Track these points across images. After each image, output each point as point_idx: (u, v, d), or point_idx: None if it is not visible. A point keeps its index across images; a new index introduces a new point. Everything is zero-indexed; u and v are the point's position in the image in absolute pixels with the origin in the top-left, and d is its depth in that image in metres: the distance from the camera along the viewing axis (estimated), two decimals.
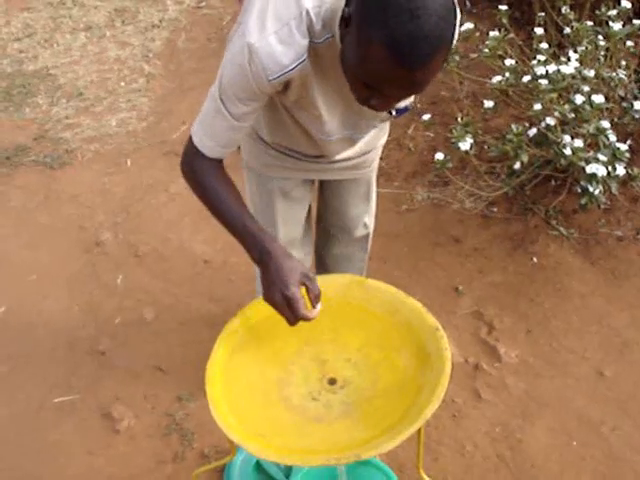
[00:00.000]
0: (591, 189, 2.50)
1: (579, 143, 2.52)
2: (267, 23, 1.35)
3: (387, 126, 1.96)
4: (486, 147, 3.05)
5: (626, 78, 2.81)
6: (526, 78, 2.67)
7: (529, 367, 2.54)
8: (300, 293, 1.43)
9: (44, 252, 3.23)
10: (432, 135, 3.59)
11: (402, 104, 1.47)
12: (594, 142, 2.61)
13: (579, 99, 2.57)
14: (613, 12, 2.86)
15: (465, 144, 2.66)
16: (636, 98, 2.79)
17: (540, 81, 2.60)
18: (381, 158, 2.09)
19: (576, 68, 2.65)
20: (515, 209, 3.14)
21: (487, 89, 3.20)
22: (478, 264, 2.95)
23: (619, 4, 2.87)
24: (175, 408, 2.49)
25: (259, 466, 2.15)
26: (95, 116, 4.17)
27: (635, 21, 2.81)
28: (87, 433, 2.44)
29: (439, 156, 2.76)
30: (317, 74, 1.46)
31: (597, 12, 2.92)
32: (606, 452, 2.26)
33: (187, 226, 3.27)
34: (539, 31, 2.88)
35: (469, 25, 2.92)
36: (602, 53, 2.82)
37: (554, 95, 2.59)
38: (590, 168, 2.46)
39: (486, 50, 2.88)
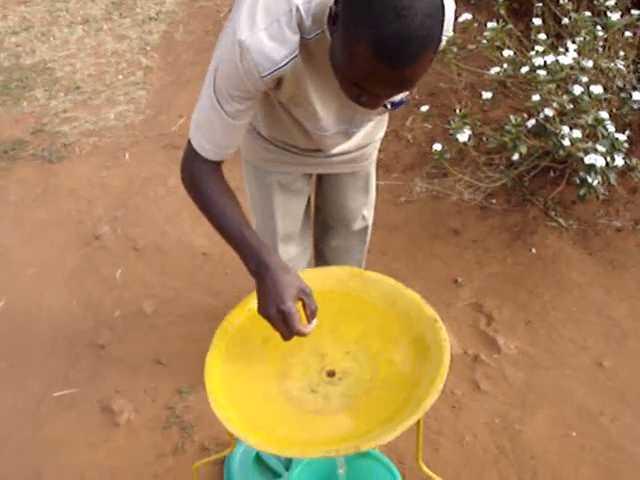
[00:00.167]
0: (590, 180, 2.50)
1: (578, 134, 2.52)
2: (257, 19, 1.33)
3: (385, 119, 1.96)
4: (485, 138, 3.05)
5: (624, 69, 2.81)
6: (524, 69, 2.66)
7: (528, 358, 2.54)
8: (296, 308, 1.42)
9: (43, 246, 3.23)
10: (430, 127, 3.58)
11: (397, 98, 1.46)
12: (593, 133, 2.60)
13: (577, 90, 2.56)
14: (611, 2, 2.85)
15: (463, 135, 2.65)
16: (635, 88, 2.78)
17: (538, 72, 2.59)
18: (379, 150, 2.08)
19: (574, 59, 2.65)
20: (514, 200, 3.13)
21: (485, 80, 3.19)
22: (477, 256, 2.95)
23: None
24: (175, 401, 2.49)
25: (259, 458, 2.15)
26: (93, 109, 4.17)
27: (633, 11, 2.81)
28: (87, 427, 2.45)
29: (437, 147, 2.75)
30: (309, 70, 1.45)
31: (595, 2, 2.91)
32: (605, 442, 2.26)
33: (186, 219, 3.27)
34: (537, 22, 2.87)
35: (467, 16, 2.92)
36: (600, 44, 2.81)
37: (552, 86, 2.59)
38: (589, 159, 2.46)
39: (484, 41, 2.87)
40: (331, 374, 1.49)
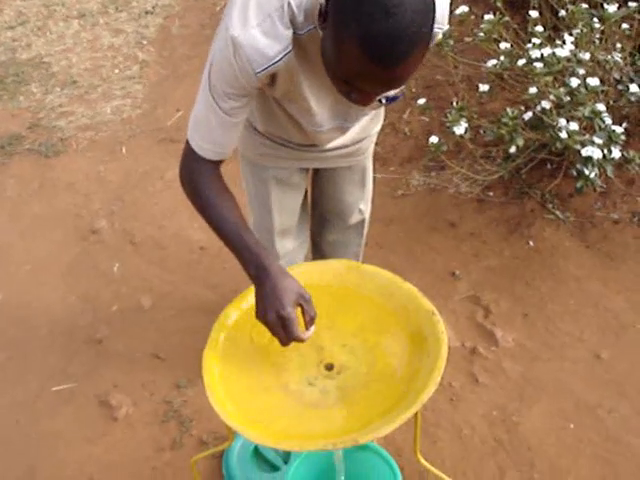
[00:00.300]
0: (587, 172, 2.50)
1: (574, 126, 2.52)
2: (249, 16, 1.33)
3: (381, 113, 1.95)
4: (481, 131, 3.05)
5: (621, 61, 2.80)
6: (521, 61, 2.66)
7: (526, 351, 2.55)
8: (295, 314, 1.41)
9: (40, 241, 3.23)
10: (427, 119, 3.58)
11: (392, 93, 1.46)
12: (590, 125, 2.60)
13: (574, 82, 2.56)
14: None
15: (460, 128, 2.65)
16: (632, 81, 2.78)
17: (535, 64, 2.59)
18: (376, 143, 2.08)
19: (571, 51, 2.65)
20: (511, 193, 3.13)
21: (482, 73, 3.19)
22: (474, 248, 2.95)
23: None
24: (173, 395, 2.49)
25: (257, 452, 2.16)
26: (89, 104, 4.16)
27: (630, 3, 2.80)
28: (85, 421, 2.45)
29: (434, 140, 2.75)
30: (303, 66, 1.45)
31: None
32: (603, 435, 2.27)
33: (183, 213, 3.26)
34: (534, 14, 2.87)
35: (464, 9, 2.91)
36: (597, 36, 2.81)
37: (549, 78, 2.59)
38: (586, 151, 2.46)
39: (481, 34, 2.87)
40: (329, 367, 1.49)
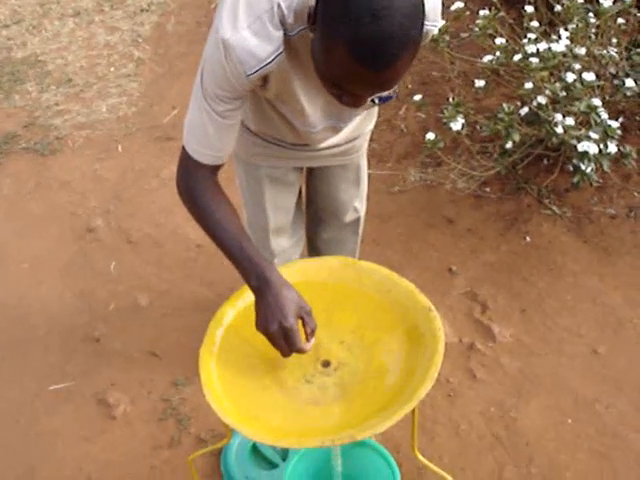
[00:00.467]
0: (583, 167, 2.50)
1: (570, 121, 2.52)
2: (239, 17, 1.31)
3: (375, 112, 1.94)
4: (478, 127, 3.05)
5: (617, 55, 2.80)
6: (517, 57, 2.66)
7: (523, 346, 2.55)
8: (297, 325, 1.41)
9: (36, 240, 3.23)
10: (424, 116, 3.57)
11: (384, 93, 1.45)
12: (586, 120, 2.60)
13: (570, 77, 2.56)
14: None
15: (456, 124, 2.65)
16: (627, 75, 2.78)
17: (531, 60, 2.59)
18: (372, 140, 2.08)
19: (567, 46, 2.65)
20: (508, 189, 3.13)
21: (478, 68, 3.19)
22: (471, 244, 2.95)
23: None
24: (171, 393, 2.49)
25: (255, 449, 2.16)
26: (85, 102, 4.15)
27: None
28: (83, 420, 2.45)
29: (430, 136, 2.75)
30: (294, 67, 1.44)
31: None
32: (600, 430, 2.27)
33: (179, 211, 3.24)
34: (529, 9, 2.87)
35: (459, 4, 2.91)
36: (593, 31, 2.81)
37: (545, 73, 2.59)
38: (582, 146, 2.46)
39: (477, 29, 2.87)
40: (326, 364, 1.49)
